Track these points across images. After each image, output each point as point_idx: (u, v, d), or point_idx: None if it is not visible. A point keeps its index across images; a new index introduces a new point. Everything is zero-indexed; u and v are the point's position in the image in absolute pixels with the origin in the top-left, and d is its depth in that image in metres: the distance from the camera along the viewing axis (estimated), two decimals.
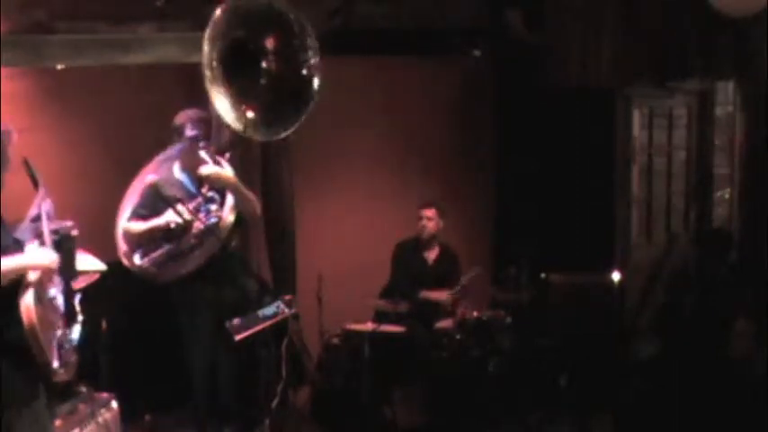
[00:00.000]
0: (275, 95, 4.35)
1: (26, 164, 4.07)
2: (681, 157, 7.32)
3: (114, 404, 4.87)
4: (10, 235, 3.64)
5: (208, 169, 4.75)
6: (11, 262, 3.42)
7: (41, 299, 3.49)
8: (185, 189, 4.83)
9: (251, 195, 4.94)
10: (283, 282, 6.51)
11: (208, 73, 4.26)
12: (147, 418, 5.90)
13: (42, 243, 3.72)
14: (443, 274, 6.55)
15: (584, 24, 6.70)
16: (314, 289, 6.28)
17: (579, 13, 6.73)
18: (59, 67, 5.92)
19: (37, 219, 3.87)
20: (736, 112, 7.14)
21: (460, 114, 7.59)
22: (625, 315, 6.70)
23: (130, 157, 5.81)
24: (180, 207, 4.67)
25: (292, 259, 6.75)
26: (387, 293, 6.52)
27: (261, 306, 4.82)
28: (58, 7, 5.67)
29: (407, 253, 6.61)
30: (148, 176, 4.90)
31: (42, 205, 3.92)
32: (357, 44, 6.67)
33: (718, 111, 7.24)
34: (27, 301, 3.38)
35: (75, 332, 3.77)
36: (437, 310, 6.38)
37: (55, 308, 3.61)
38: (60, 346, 3.53)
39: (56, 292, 3.66)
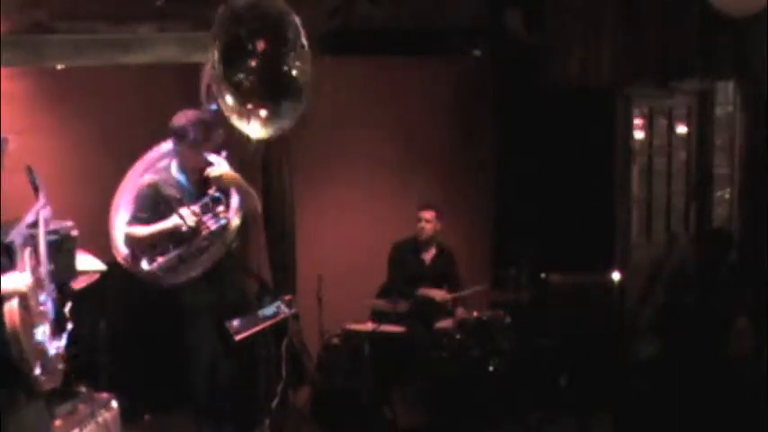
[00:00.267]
0: (268, 93, 4.38)
1: (29, 170, 4.07)
2: (681, 157, 7.32)
3: (114, 404, 4.86)
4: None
5: (218, 170, 4.76)
6: None
7: (27, 305, 3.47)
8: (184, 190, 4.82)
9: (253, 191, 4.95)
10: (283, 282, 6.51)
11: (214, 71, 4.32)
12: (147, 418, 5.90)
13: (35, 251, 3.70)
14: (440, 273, 6.56)
15: (584, 24, 6.70)
16: (314, 289, 6.28)
17: (579, 13, 6.73)
18: (59, 67, 5.92)
19: (34, 225, 3.85)
20: (736, 112, 7.14)
21: (460, 114, 7.59)
22: (625, 315, 6.70)
23: (130, 157, 5.81)
24: (185, 210, 4.65)
25: (292, 259, 6.75)
26: (384, 293, 6.52)
27: (261, 306, 4.82)
28: (58, 7, 5.67)
29: (404, 253, 6.61)
30: (146, 176, 4.88)
31: (41, 212, 3.91)
32: (357, 44, 6.67)
33: (718, 111, 7.24)
34: (11, 305, 3.35)
35: (63, 340, 3.71)
36: (437, 309, 6.38)
37: (43, 314, 3.59)
38: (45, 354, 3.51)
39: (45, 299, 3.64)
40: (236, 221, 4.81)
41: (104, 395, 4.87)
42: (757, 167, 6.74)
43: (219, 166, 4.79)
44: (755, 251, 6.53)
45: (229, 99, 4.38)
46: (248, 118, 4.44)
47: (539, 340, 6.39)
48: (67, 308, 3.90)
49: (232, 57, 4.43)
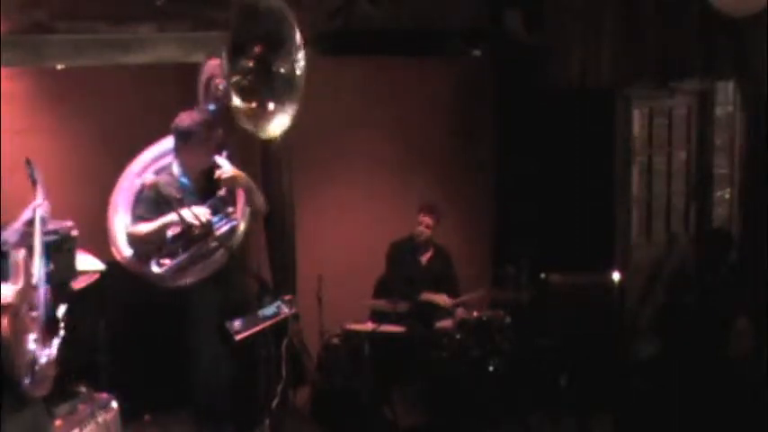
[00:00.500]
0: (268, 92, 4.40)
1: (28, 163, 4.06)
2: (681, 157, 7.32)
3: (114, 404, 4.86)
4: None
5: (229, 171, 4.76)
6: None
7: (18, 313, 3.45)
8: (186, 190, 4.81)
9: (258, 190, 4.97)
10: (283, 282, 6.51)
11: (224, 71, 4.40)
12: (147, 418, 5.90)
13: (30, 252, 3.69)
14: (437, 274, 6.57)
15: (584, 24, 6.70)
16: (314, 289, 6.29)
17: (579, 14, 6.73)
18: (59, 67, 5.92)
19: (30, 223, 3.84)
20: (736, 112, 7.14)
21: (460, 114, 7.59)
22: (625, 315, 6.70)
23: (130, 157, 5.81)
24: (186, 210, 4.63)
25: (292, 259, 6.75)
26: (381, 292, 6.53)
27: (261, 306, 4.82)
28: (58, 7, 5.67)
29: (401, 253, 6.62)
30: (146, 177, 4.87)
31: (37, 210, 3.89)
32: (357, 44, 6.67)
33: (718, 111, 7.24)
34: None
35: (55, 346, 3.68)
36: (437, 310, 6.38)
37: (34, 320, 3.56)
38: (35, 362, 3.49)
39: (38, 303, 3.62)
40: (244, 222, 4.82)
41: (104, 395, 4.87)
42: (757, 167, 6.73)
43: (226, 166, 4.79)
44: (755, 251, 6.52)
45: (236, 100, 4.40)
46: (258, 117, 4.48)
47: (539, 340, 6.39)
48: (61, 311, 3.86)
49: (237, 57, 4.45)
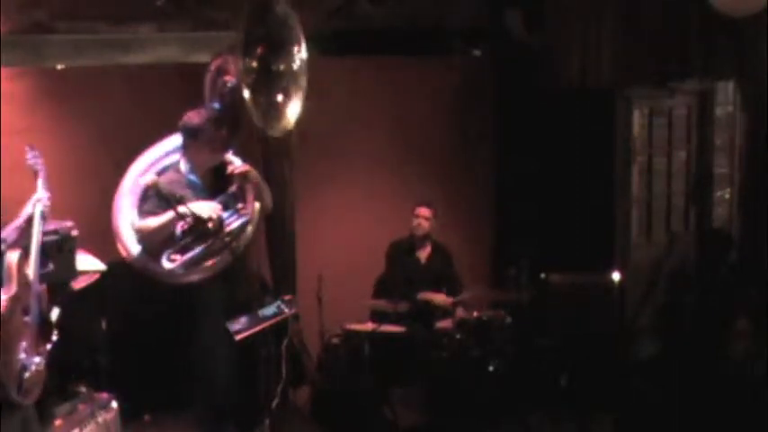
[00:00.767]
0: (272, 89, 4.51)
1: (31, 149, 4.04)
2: (681, 157, 7.32)
3: (114, 404, 4.86)
4: None
5: (241, 166, 4.79)
6: None
7: (10, 319, 3.43)
8: (197, 188, 4.82)
9: (266, 187, 4.99)
10: (283, 282, 6.51)
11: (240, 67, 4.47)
12: (147, 418, 5.90)
13: (27, 252, 3.67)
14: (437, 272, 6.57)
15: (584, 24, 6.70)
16: (314, 289, 6.29)
17: (579, 13, 6.72)
18: (59, 67, 5.92)
19: (30, 220, 3.83)
20: (736, 112, 7.14)
21: (460, 114, 7.59)
22: (625, 315, 6.70)
23: (130, 157, 5.81)
24: (197, 205, 4.62)
25: (292, 259, 6.75)
26: (381, 292, 6.53)
27: (261, 306, 4.82)
28: (58, 7, 5.67)
29: (401, 252, 6.63)
30: (147, 177, 4.87)
31: (37, 205, 3.88)
32: (357, 44, 6.67)
33: (718, 111, 7.23)
34: None
35: (45, 354, 3.65)
36: (437, 309, 6.38)
37: (26, 326, 3.54)
38: (24, 370, 3.47)
39: (31, 306, 3.60)
40: (255, 218, 4.83)
41: (104, 395, 4.87)
42: (757, 167, 6.74)
43: (237, 161, 4.82)
44: (755, 251, 6.53)
45: (247, 96, 4.44)
46: (267, 114, 4.52)
47: (539, 340, 6.39)
48: (55, 315, 3.84)
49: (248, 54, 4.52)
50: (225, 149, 4.82)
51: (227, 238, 4.68)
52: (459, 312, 6.30)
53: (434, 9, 6.87)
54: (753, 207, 6.78)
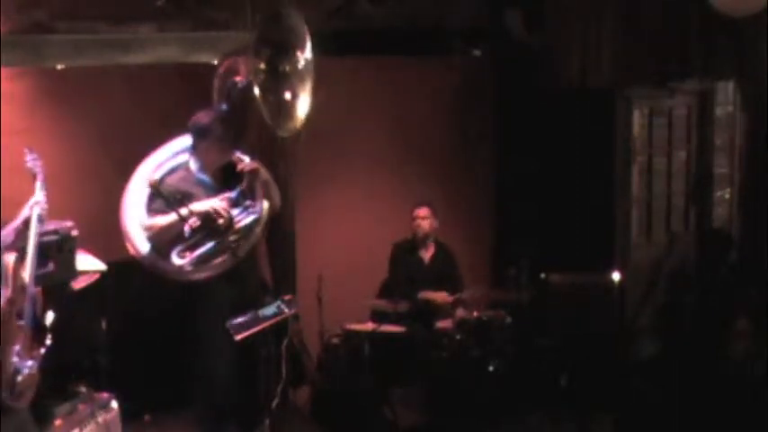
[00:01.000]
0: (280, 90, 4.58)
1: (29, 152, 4.04)
2: (681, 157, 7.31)
3: (114, 404, 4.86)
4: None
5: (251, 164, 4.83)
6: None
7: (4, 322, 3.42)
8: (207, 187, 4.85)
9: (275, 185, 5.04)
10: (283, 282, 6.51)
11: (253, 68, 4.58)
12: (147, 418, 5.90)
13: (23, 254, 3.67)
14: (440, 272, 6.57)
15: (584, 24, 6.70)
16: (314, 289, 6.29)
17: (579, 13, 6.72)
18: (59, 67, 5.93)
19: (28, 222, 3.83)
20: (736, 112, 7.14)
21: (460, 114, 7.59)
22: (625, 315, 6.70)
23: (130, 157, 5.80)
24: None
25: (292, 259, 6.75)
26: (384, 293, 6.52)
27: (261, 306, 4.82)
28: (58, 7, 5.67)
29: (404, 253, 6.62)
30: (140, 177, 4.87)
31: (34, 208, 3.88)
32: (357, 44, 6.67)
33: (718, 111, 7.23)
34: None
35: (38, 357, 3.64)
36: (437, 309, 6.38)
37: (20, 329, 3.54)
38: (16, 374, 3.46)
39: (26, 309, 3.59)
40: (264, 216, 4.87)
41: (104, 395, 4.87)
42: (757, 167, 6.74)
43: (247, 159, 4.86)
44: (755, 251, 6.53)
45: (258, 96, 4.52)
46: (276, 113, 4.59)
47: (539, 340, 6.39)
48: (49, 319, 3.84)
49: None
50: (233, 148, 4.86)
51: (236, 236, 4.73)
52: (460, 312, 6.30)
53: (434, 9, 6.87)
54: (753, 207, 6.79)
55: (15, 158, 4.30)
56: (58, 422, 4.44)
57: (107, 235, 5.28)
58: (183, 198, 4.66)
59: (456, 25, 7.02)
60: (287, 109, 4.67)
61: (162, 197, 4.67)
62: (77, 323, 5.30)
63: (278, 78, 4.65)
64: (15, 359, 3.46)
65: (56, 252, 4.21)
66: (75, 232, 4.39)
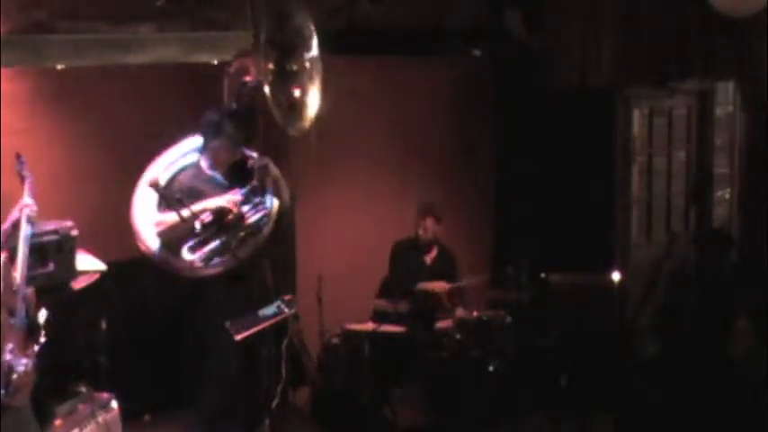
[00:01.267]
0: (289, 89, 4.72)
1: (18, 159, 4.06)
2: (681, 157, 7.32)
3: (114, 404, 4.87)
4: None
5: (261, 160, 4.91)
6: None
7: None
8: (219, 185, 4.91)
9: (285, 183, 5.11)
10: (283, 282, 6.50)
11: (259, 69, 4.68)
12: (147, 418, 5.90)
13: (12, 256, 3.67)
14: (441, 273, 6.55)
15: (584, 24, 6.71)
16: (314, 289, 6.29)
17: (579, 13, 6.73)
18: (59, 67, 5.92)
19: (16, 225, 3.84)
20: (736, 112, 7.14)
21: (460, 114, 7.59)
22: (625, 315, 6.70)
23: (130, 157, 5.81)
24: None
25: (292, 259, 6.74)
26: (385, 292, 6.52)
27: (262, 306, 4.83)
28: (58, 7, 5.67)
29: (405, 252, 6.62)
30: (149, 177, 4.88)
31: (24, 210, 3.89)
32: (357, 44, 6.67)
33: (718, 111, 7.24)
34: None
35: (33, 355, 3.63)
36: (437, 308, 6.37)
37: (12, 328, 3.54)
38: (11, 371, 3.46)
39: (17, 309, 3.59)
40: (273, 213, 4.95)
41: (104, 395, 4.88)
42: (757, 167, 6.74)
43: (260, 157, 4.95)
44: (755, 251, 6.53)
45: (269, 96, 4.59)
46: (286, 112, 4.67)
47: (539, 340, 6.39)
48: (42, 317, 3.84)
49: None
50: (243, 146, 4.94)
51: (246, 231, 4.78)
52: (459, 312, 6.30)
53: (434, 9, 6.87)
54: (753, 207, 6.79)
55: (9, 158, 4.30)
56: (58, 422, 4.44)
57: (107, 235, 5.29)
58: (190, 196, 4.71)
59: (456, 25, 7.03)
60: (297, 108, 4.74)
61: (162, 197, 4.68)
62: (77, 323, 5.31)
63: (287, 78, 4.72)
64: (8, 356, 3.47)
65: (56, 252, 4.22)
66: (75, 232, 4.39)
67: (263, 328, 4.73)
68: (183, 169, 4.95)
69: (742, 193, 7.07)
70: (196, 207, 4.69)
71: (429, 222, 6.50)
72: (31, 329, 3.65)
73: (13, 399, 3.49)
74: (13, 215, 3.88)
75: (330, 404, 6.18)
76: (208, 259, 4.71)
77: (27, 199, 3.96)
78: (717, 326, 6.07)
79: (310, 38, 4.77)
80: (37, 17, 5.62)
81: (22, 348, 3.57)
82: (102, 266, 4.92)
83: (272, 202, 5.00)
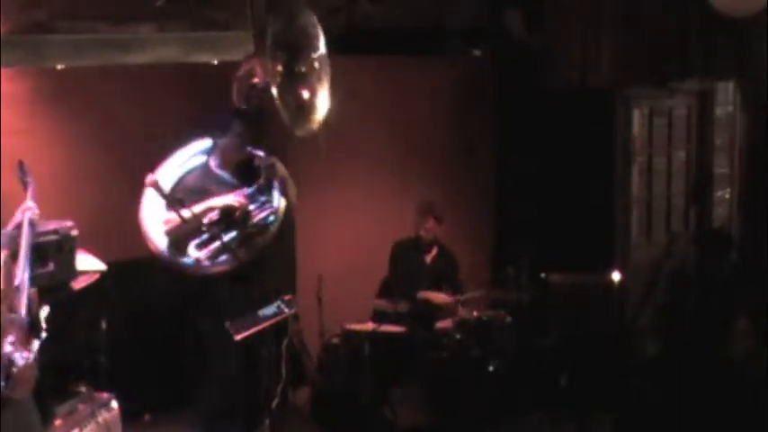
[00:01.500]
0: (297, 90, 4.77)
1: (20, 165, 4.07)
2: (681, 157, 7.32)
3: (114, 404, 4.87)
4: None
5: (268, 159, 4.96)
6: None
7: None
8: (228, 184, 4.95)
9: (292, 182, 5.15)
10: (283, 282, 6.50)
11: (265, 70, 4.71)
12: (147, 418, 5.90)
13: (16, 255, 3.68)
14: (441, 273, 6.56)
15: (584, 24, 6.71)
16: (314, 289, 6.29)
17: (579, 13, 6.73)
18: (59, 67, 5.92)
19: (19, 227, 3.85)
20: (736, 112, 7.14)
21: (460, 114, 7.59)
22: (625, 315, 6.70)
23: (130, 157, 5.82)
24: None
25: (292, 259, 6.74)
26: (385, 292, 6.52)
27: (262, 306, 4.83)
28: (58, 7, 5.67)
29: (406, 252, 6.61)
30: (148, 177, 4.89)
31: (26, 213, 3.90)
32: (357, 44, 6.67)
33: (718, 111, 7.24)
34: None
35: (35, 349, 3.63)
36: (437, 309, 6.38)
37: (13, 322, 3.55)
38: (11, 364, 3.47)
39: (19, 305, 3.60)
40: (280, 212, 4.98)
41: (104, 395, 4.88)
42: (757, 167, 6.74)
43: (267, 156, 4.98)
44: (755, 251, 6.53)
45: (276, 97, 4.61)
46: (294, 114, 4.70)
47: (539, 340, 6.39)
48: (44, 314, 3.85)
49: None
50: (250, 146, 4.97)
51: (251, 230, 4.83)
52: (460, 311, 6.29)
53: (434, 9, 6.87)
54: (753, 207, 6.79)
55: (15, 158, 4.30)
56: (58, 422, 4.44)
57: (107, 235, 5.29)
58: (198, 195, 4.75)
59: (456, 25, 7.03)
60: (305, 110, 4.77)
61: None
62: (77, 323, 5.31)
63: (296, 79, 4.76)
64: (9, 348, 3.48)
65: (56, 252, 4.22)
66: (75, 232, 4.39)
67: (263, 328, 4.73)
68: (191, 170, 5.01)
69: (742, 193, 7.07)
70: (201, 206, 4.73)
71: (431, 223, 6.50)
72: (33, 325, 3.67)
73: (13, 391, 3.50)
74: (17, 217, 3.90)
75: (330, 404, 6.18)
76: (214, 257, 4.73)
77: (30, 203, 3.98)
78: (717, 326, 6.07)
79: (317, 37, 4.80)
80: (37, 17, 5.62)
81: (24, 343, 3.58)
82: (102, 266, 4.92)
83: (280, 202, 5.04)
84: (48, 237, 4.21)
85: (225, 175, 5.01)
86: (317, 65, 4.82)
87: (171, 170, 4.97)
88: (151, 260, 4.91)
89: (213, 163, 5.02)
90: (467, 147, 7.58)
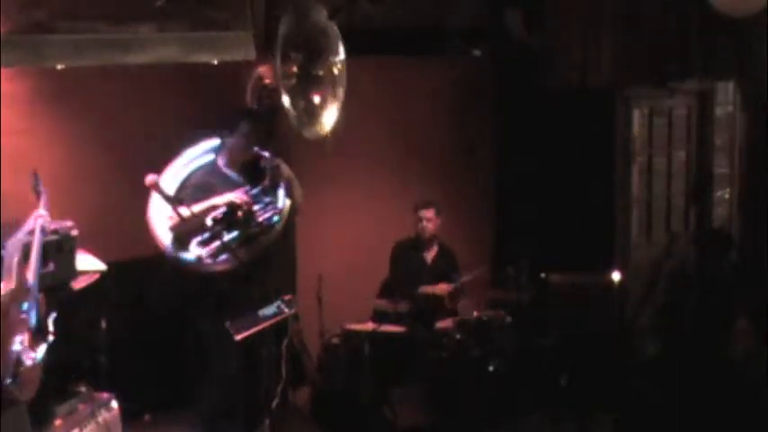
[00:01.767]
0: (310, 93, 4.83)
1: (34, 176, 4.09)
2: (681, 157, 7.32)
3: (114, 404, 4.87)
4: None
5: (273, 160, 5.01)
6: None
7: (8, 312, 3.45)
8: (234, 183, 5.00)
9: (298, 183, 5.22)
10: (283, 282, 6.50)
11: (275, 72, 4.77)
12: (147, 418, 5.90)
13: (26, 258, 3.69)
14: (441, 272, 6.55)
15: (584, 24, 6.70)
16: (314, 289, 6.29)
17: (579, 13, 6.73)
18: (59, 67, 5.92)
19: (31, 232, 3.87)
20: (736, 112, 7.14)
21: (460, 114, 7.59)
22: (625, 315, 6.70)
23: (130, 157, 5.82)
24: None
25: (292, 259, 6.74)
26: (385, 292, 6.52)
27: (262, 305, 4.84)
28: (58, 7, 5.66)
29: (406, 252, 6.61)
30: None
31: (38, 220, 3.92)
32: (357, 44, 6.66)
33: (718, 111, 7.24)
34: None
35: (41, 351, 3.66)
36: (437, 308, 6.37)
37: (23, 323, 3.56)
38: (19, 363, 3.48)
39: (29, 307, 3.61)
40: (285, 212, 5.03)
41: (104, 395, 4.88)
42: (757, 167, 6.74)
43: (272, 157, 5.02)
44: (755, 251, 6.53)
45: (286, 100, 4.68)
46: (305, 116, 4.76)
47: (539, 340, 6.39)
48: (52, 318, 3.85)
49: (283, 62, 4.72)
50: (260, 145, 5.02)
51: (255, 229, 4.88)
52: (462, 305, 6.29)
53: (434, 9, 6.87)
54: (753, 207, 6.79)
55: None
56: (58, 422, 4.44)
57: (107, 235, 5.29)
58: (204, 192, 4.80)
59: (456, 25, 7.02)
60: (314, 113, 4.82)
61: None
62: (77, 323, 5.31)
63: (310, 82, 4.78)
64: (18, 348, 3.49)
65: (56, 252, 4.21)
66: (75, 232, 4.39)
67: (263, 328, 4.73)
68: (199, 168, 5.06)
69: (742, 193, 7.07)
70: (204, 204, 4.77)
71: (428, 213, 6.49)
72: (41, 328, 3.68)
73: (20, 392, 3.50)
74: (29, 224, 3.93)
75: (330, 404, 6.18)
76: (216, 254, 4.74)
77: (42, 210, 4.01)
78: (717, 326, 6.07)
79: (336, 40, 4.82)
80: (37, 17, 5.61)
81: (32, 344, 3.59)
82: (102, 266, 4.93)
83: (284, 202, 5.08)
84: (48, 237, 4.21)
85: (231, 173, 5.05)
86: (336, 70, 4.85)
87: (178, 169, 5.02)
88: (151, 260, 4.92)
89: (221, 161, 5.08)
90: (467, 147, 7.58)
